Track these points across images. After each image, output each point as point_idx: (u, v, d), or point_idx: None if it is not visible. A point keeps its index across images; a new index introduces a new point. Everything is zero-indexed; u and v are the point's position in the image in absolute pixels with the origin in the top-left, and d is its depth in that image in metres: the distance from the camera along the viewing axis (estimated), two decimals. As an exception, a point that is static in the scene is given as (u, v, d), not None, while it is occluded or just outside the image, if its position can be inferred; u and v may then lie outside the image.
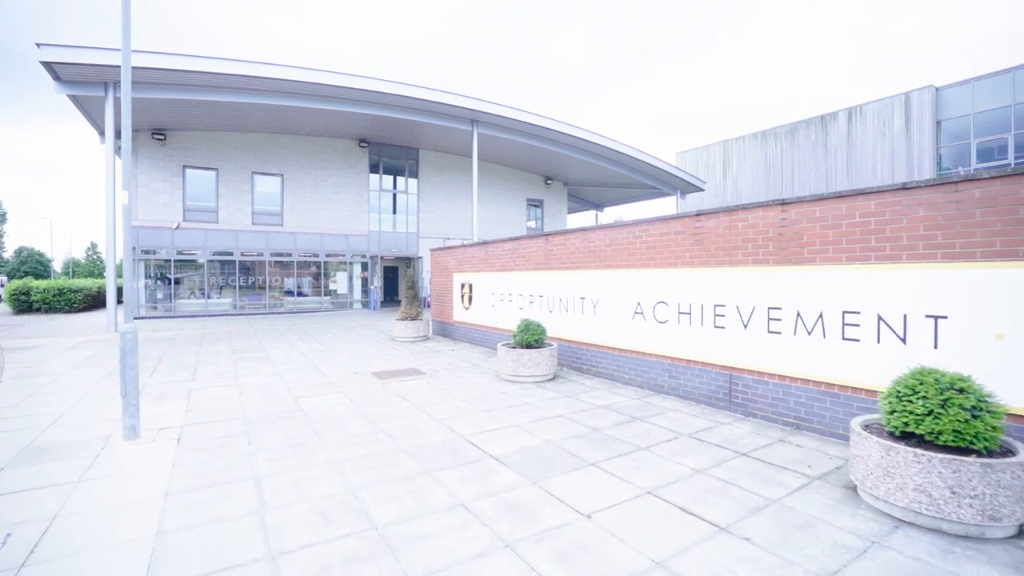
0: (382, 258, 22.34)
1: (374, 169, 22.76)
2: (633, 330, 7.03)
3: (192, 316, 18.85)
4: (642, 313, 6.88)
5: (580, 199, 32.26)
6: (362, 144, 21.86)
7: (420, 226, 23.83)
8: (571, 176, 27.83)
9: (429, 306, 22.71)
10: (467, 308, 11.84)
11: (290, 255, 20.81)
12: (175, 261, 18.92)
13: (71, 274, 72.30)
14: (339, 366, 8.75)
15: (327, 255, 21.55)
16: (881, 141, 23.00)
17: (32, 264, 69.36)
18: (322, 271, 21.45)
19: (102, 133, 18.16)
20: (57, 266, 77.74)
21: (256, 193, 20.30)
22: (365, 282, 22.54)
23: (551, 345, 7.74)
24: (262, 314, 20.05)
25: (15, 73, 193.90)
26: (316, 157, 21.24)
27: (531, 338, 7.62)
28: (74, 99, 14.78)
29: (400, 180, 23.69)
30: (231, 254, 19.75)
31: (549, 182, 28.04)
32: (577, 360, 8.15)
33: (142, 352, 10.32)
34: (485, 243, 11.10)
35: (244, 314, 19.80)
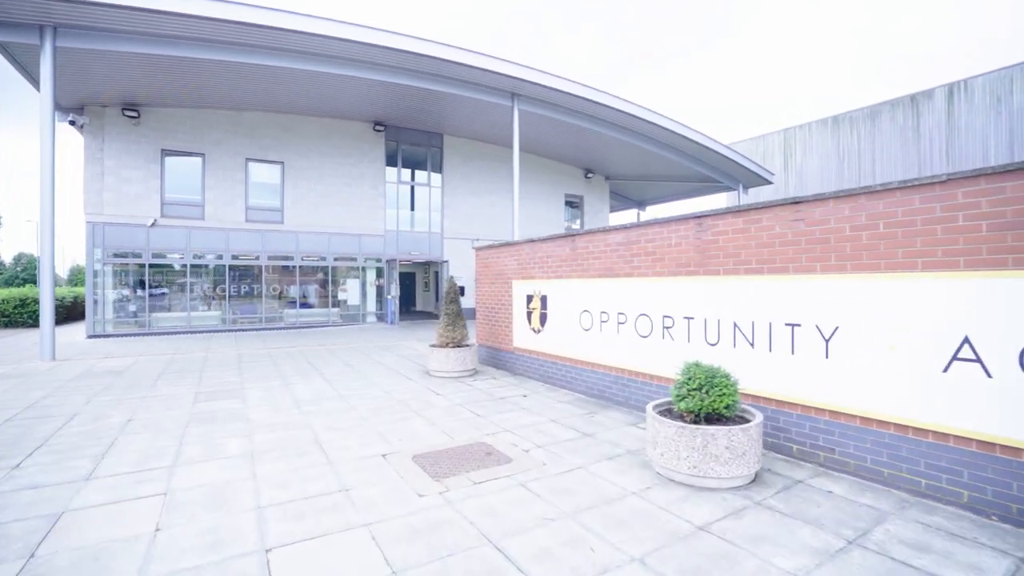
0: (400, 263, 18.86)
1: (391, 158, 19.29)
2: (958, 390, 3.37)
3: (171, 333, 15.38)
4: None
5: (620, 196, 28.67)
6: (377, 127, 18.40)
7: (445, 224, 20.30)
8: (614, 168, 24.26)
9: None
10: (537, 331, 8.23)
11: (291, 259, 17.32)
12: (151, 266, 15.48)
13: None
14: (357, 436, 5.15)
15: (336, 259, 18.05)
16: (995, 120, 19.33)
17: (32, 270, 66.79)
18: (329, 278, 17.94)
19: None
20: (64, 272, 75.05)
21: (251, 184, 16.87)
22: (380, 291, 19.00)
23: (752, 418, 4.08)
24: (257, 330, 16.55)
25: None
26: (323, 142, 17.80)
27: (718, 403, 3.98)
28: (4, 51, 11.40)
29: (421, 171, 20.20)
30: (220, 257, 16.30)
31: (590, 176, 24.47)
32: (797, 439, 4.49)
33: (56, 399, 6.78)
34: (572, 236, 7.48)
35: (235, 330, 16.30)
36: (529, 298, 8.42)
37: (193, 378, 8.42)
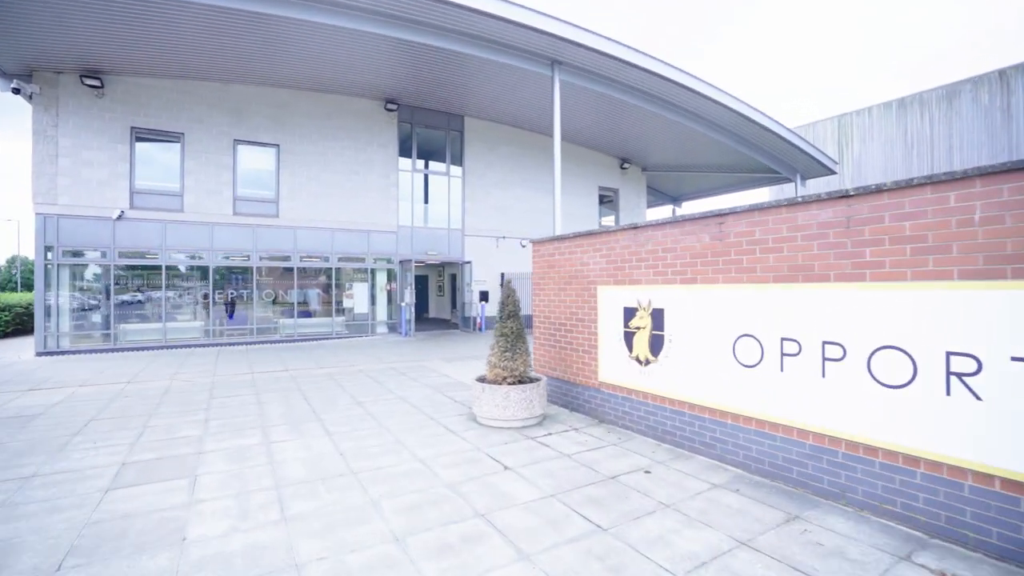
0: (414, 264, 16.19)
1: (405, 143, 16.61)
2: None
3: (142, 348, 12.70)
4: None
5: (653, 190, 25.91)
6: (389, 106, 15.74)
7: (466, 220, 17.59)
8: (652, 157, 21.53)
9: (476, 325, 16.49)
10: (645, 361, 5.49)
11: (288, 259, 14.64)
12: (118, 267, 12.81)
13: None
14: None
15: (340, 259, 15.36)
16: (1110, 97, 16.62)
17: (25, 273, 64.45)
18: (333, 281, 15.24)
19: None
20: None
21: (240, 171, 14.21)
22: (391, 297, 16.29)
23: None
24: (247, 343, 13.85)
25: None
26: (326, 123, 15.14)
27: None
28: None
29: (439, 159, 17.52)
30: (202, 257, 13.62)
31: (626, 166, 21.74)
32: None
33: None
34: (719, 216, 4.70)
35: (220, 344, 13.61)
36: (629, 312, 5.68)
37: (133, 429, 5.71)
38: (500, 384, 5.99)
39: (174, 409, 6.68)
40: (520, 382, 6.09)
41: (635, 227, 5.62)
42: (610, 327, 5.97)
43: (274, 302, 14.67)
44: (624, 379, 5.77)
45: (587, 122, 17.60)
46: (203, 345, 13.40)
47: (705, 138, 17.69)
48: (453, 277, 22.19)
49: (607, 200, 21.85)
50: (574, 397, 6.62)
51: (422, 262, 18.03)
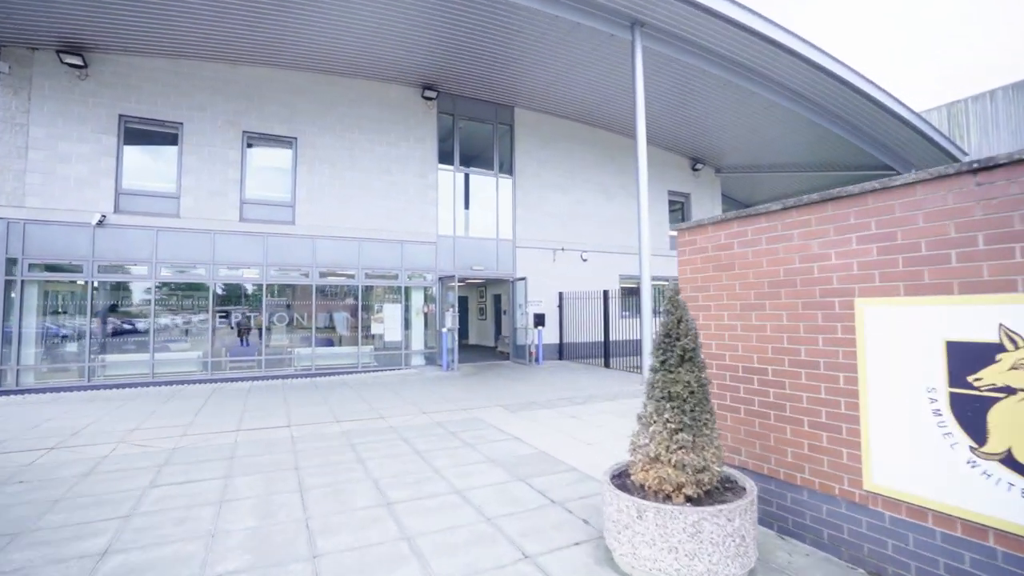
0: (457, 282, 13.37)
1: (446, 137, 14.00)
2: None
3: (123, 386, 10.15)
4: None
5: (725, 197, 22.58)
6: (428, 94, 13.18)
7: (517, 228, 14.71)
8: (727, 156, 18.35)
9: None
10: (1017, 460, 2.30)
11: (306, 274, 12.01)
12: (97, 284, 10.40)
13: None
14: None
15: (368, 274, 12.65)
16: None
17: None
18: (359, 302, 12.50)
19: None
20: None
21: (249, 169, 11.79)
22: (428, 320, 13.44)
23: None
24: (251, 380, 11.17)
25: None
26: (353, 112, 12.66)
27: None
28: None
29: (485, 155, 14.84)
30: (200, 271, 11.11)
31: (698, 167, 18.60)
32: None
33: None
34: None
35: (219, 380, 10.96)
36: (970, 354, 2.53)
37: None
38: (673, 498, 2.91)
39: (63, 519, 3.83)
40: (710, 493, 3.00)
41: (963, 171, 2.52)
42: (898, 383, 2.83)
43: (288, 327, 12.00)
44: (946, 493, 2.60)
45: (657, 110, 14.65)
46: (199, 381, 10.76)
47: (799, 125, 14.50)
48: (497, 298, 19.29)
49: (676, 207, 18.70)
50: (794, 512, 3.45)
51: (465, 279, 15.21)
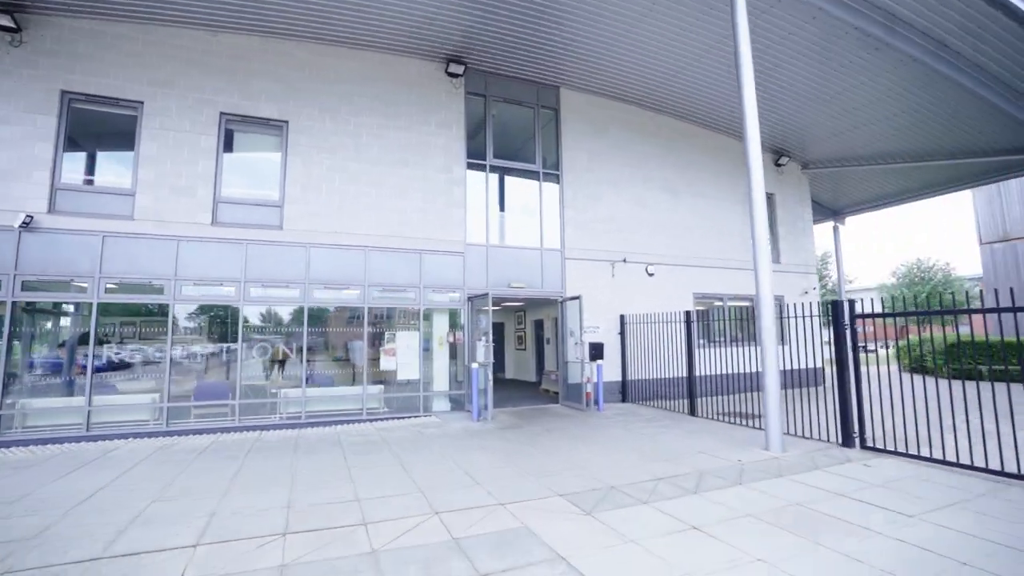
0: (491, 303, 10.43)
1: (476, 123, 11.32)
2: None
3: (48, 441, 7.51)
4: None
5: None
6: (453, 70, 10.59)
7: (566, 235, 11.70)
8: (815, 147, 14.93)
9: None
10: None
11: (295, 293, 9.29)
12: (15, 304, 7.93)
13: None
14: None
15: (378, 292, 9.85)
16: None
17: None
18: (365, 328, 9.65)
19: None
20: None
21: (226, 159, 9.31)
22: (454, 351, 10.46)
23: None
24: (219, 432, 8.38)
25: None
26: (359, 91, 10.14)
27: None
28: None
29: (525, 146, 12.05)
30: (160, 290, 8.53)
31: (782, 163, 15.27)
32: None
33: None
34: None
35: (177, 432, 8.22)
36: None
37: None
38: None
39: None
40: None
41: None
42: None
43: (274, 362, 9.25)
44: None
45: (730, 87, 11.60)
46: (150, 434, 8.04)
47: (928, 94, 11.09)
48: (538, 324, 16.20)
49: (758, 211, 15.31)
50: None
51: (501, 300, 12.25)
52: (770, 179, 15.16)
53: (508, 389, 14.73)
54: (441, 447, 7.21)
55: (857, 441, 6.70)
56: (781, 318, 14.13)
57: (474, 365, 9.47)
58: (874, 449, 6.54)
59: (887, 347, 18.96)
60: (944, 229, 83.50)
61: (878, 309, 9.04)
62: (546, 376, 13.60)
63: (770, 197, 15.18)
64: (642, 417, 9.61)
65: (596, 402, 10.48)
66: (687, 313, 9.93)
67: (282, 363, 9.28)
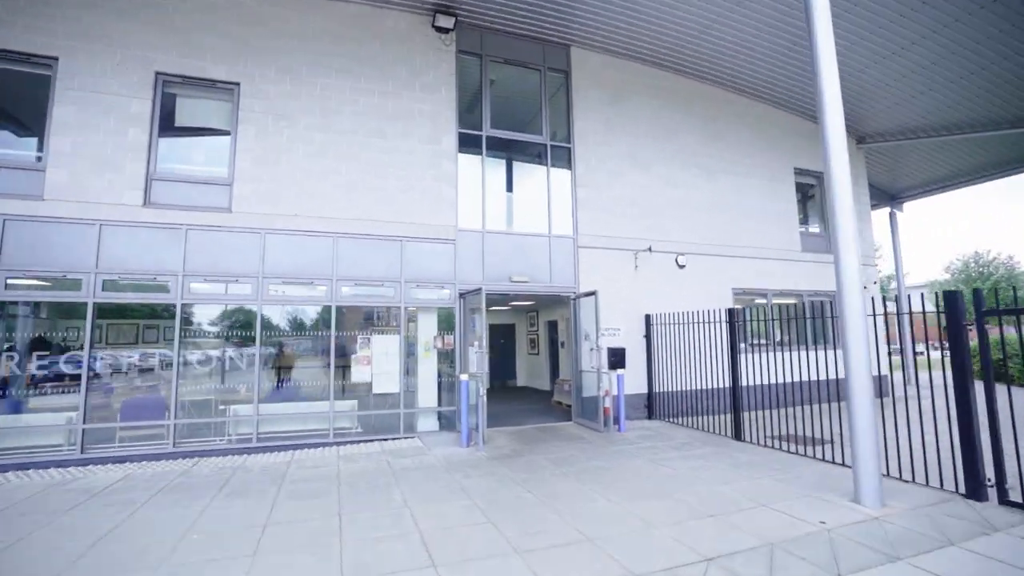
0: (487, 299, 8.64)
1: (471, 88, 9.57)
2: None
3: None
4: None
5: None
6: (441, 23, 8.87)
7: (580, 220, 9.83)
8: (875, 118, 12.67)
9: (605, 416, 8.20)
10: None
11: (246, 289, 7.65)
12: (-99, 308, 6.49)
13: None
14: None
15: (350, 289, 8.15)
16: None
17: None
18: (333, 331, 7.94)
19: None
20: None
21: (163, 129, 7.74)
22: (445, 359, 8.66)
23: None
24: (153, 458, 6.79)
25: None
26: (326, 49, 8.48)
27: None
28: None
29: (529, 116, 10.25)
30: (76, 285, 6.98)
31: (833, 135, 13.07)
32: None
33: None
34: None
35: (97, 460, 6.71)
36: None
37: None
38: None
39: None
40: None
41: None
42: None
43: (217, 371, 7.63)
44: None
45: (779, 46, 9.64)
46: (58, 464, 6.49)
47: (1010, 52, 8.88)
48: (552, 325, 14.35)
49: (808, 190, 13.17)
50: None
51: (506, 299, 10.47)
52: (819, 155, 12.95)
53: (517, 400, 12.90)
54: (408, 490, 5.43)
55: (993, 492, 4.67)
56: (834, 317, 11.99)
57: (463, 377, 7.65)
58: (1019, 506, 4.52)
59: (930, 350, 16.44)
60: (1003, 220, 78.22)
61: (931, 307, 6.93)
62: (558, 386, 11.73)
63: (819, 178, 13.00)
64: (674, 441, 7.67)
65: (616, 420, 8.57)
66: (731, 311, 7.95)
67: (228, 372, 7.65)
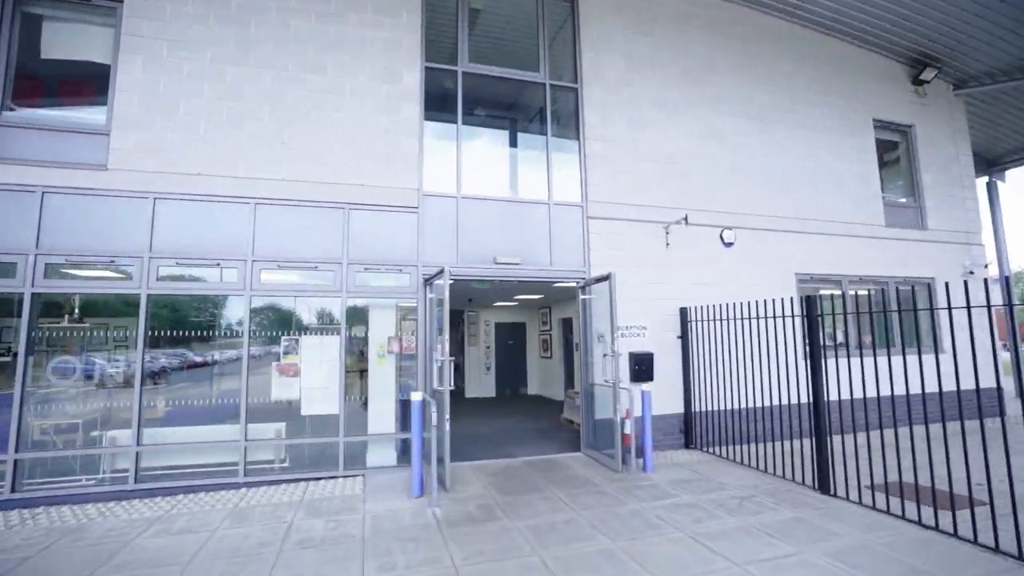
0: (446, 288, 6.33)
1: (443, 19, 7.28)
2: None
3: None
4: None
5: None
6: (402, -77, 6.62)
7: (590, 183, 7.40)
8: (979, 54, 9.70)
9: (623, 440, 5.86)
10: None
11: (125, 269, 5.60)
12: None
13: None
14: None
15: (271, 274, 6.00)
16: None
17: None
18: (248, 328, 5.82)
19: None
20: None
21: (18, 58, 5.77)
22: (406, 369, 6.38)
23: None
24: (-41, 517, 4.80)
25: None
26: (252, -41, 6.36)
27: None
28: None
29: (520, 48, 7.89)
30: None
31: (924, 80, 10.12)
32: None
33: None
34: None
35: None
36: None
37: None
38: None
39: None
40: None
41: None
42: None
43: (83, 381, 5.60)
44: None
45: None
46: None
47: None
48: (566, 324, 11.97)
49: (891, 152, 10.33)
50: None
51: (482, 286, 8.19)
52: (905, 104, 10.17)
53: (521, 413, 10.60)
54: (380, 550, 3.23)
55: None
56: (932, 310, 9.15)
57: (414, 397, 5.36)
58: None
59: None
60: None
61: None
62: (568, 400, 9.36)
63: (907, 130, 10.16)
64: (725, 492, 5.20)
65: (641, 453, 6.14)
66: (808, 300, 5.42)
67: (104, 385, 5.63)
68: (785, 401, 6.44)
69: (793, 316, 5.69)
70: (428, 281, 6.39)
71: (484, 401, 12.90)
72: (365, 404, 6.25)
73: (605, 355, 6.37)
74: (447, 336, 5.48)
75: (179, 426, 5.70)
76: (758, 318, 6.11)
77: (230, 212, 5.96)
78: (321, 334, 6.15)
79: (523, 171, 7.40)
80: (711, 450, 6.89)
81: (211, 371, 5.85)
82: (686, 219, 7.34)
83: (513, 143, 7.48)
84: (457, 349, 14.18)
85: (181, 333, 5.79)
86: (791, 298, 6.40)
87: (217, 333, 5.88)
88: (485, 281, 7.08)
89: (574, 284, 7.23)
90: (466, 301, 12.26)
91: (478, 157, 7.15)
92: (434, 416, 5.08)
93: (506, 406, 11.85)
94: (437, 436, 5.35)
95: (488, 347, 14.17)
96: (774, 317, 5.79)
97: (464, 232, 6.75)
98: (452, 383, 5.44)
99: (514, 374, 14.34)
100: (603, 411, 6.71)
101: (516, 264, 6.85)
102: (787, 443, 6.76)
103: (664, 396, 7.13)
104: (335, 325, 6.17)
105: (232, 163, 6.01)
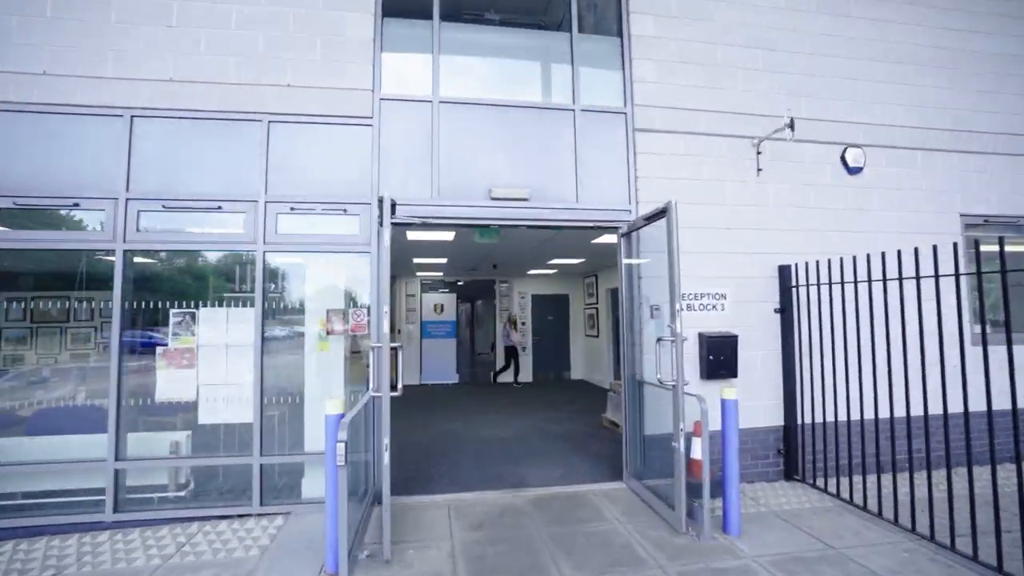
0: (386, 230, 4.20)
1: None
2: None
3: None
4: None
5: None
6: None
7: (637, 75, 4.91)
8: None
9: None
10: None
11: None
12: None
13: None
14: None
15: (152, 218, 4.09)
16: None
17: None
18: (118, 299, 4.01)
19: None
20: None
21: None
22: (358, 356, 4.26)
23: None
24: None
25: None
26: None
27: None
28: None
29: None
30: None
31: None
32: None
33: None
34: None
35: None
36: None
37: None
38: None
39: None
40: None
41: None
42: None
43: None
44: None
45: None
46: None
47: None
48: (615, 295, 9.50)
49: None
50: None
51: (485, 233, 5.94)
52: None
53: (556, 405, 8.41)
54: None
55: None
56: None
57: (329, 409, 3.24)
58: None
59: None
60: None
61: None
62: (612, 395, 7.03)
63: None
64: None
65: (721, 493, 3.76)
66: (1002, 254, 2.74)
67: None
68: (949, 407, 3.82)
69: (968, 273, 3.06)
70: (391, 224, 4.22)
71: (515, 389, 10.81)
72: (299, 408, 4.27)
73: (660, 339, 3.98)
74: (387, 307, 3.33)
75: (23, 436, 3.96)
76: (908, 279, 3.50)
77: (96, 128, 4.06)
78: (228, 305, 4.19)
79: (533, 63, 5.03)
80: (827, 484, 4.38)
81: (63, 355, 4.05)
82: (791, 126, 4.68)
83: (519, 21, 5.11)
84: (487, 327, 12.13)
85: (22, 303, 4.01)
86: (960, 244, 3.71)
87: (72, 301, 4.06)
88: (483, 228, 4.85)
89: (614, 228, 4.83)
90: (490, 267, 10.10)
91: (466, 41, 4.85)
92: (345, 440, 2.97)
93: (540, 396, 9.69)
94: (383, 478, 3.26)
95: (523, 323, 12.00)
96: (937, 276, 3.18)
97: (444, 154, 4.52)
98: (400, 382, 3.31)
99: (556, 356, 12.11)
100: (656, 422, 4.37)
101: (523, 200, 4.55)
102: (963, 471, 4.16)
103: (753, 399, 4.67)
104: (248, 294, 4.19)
105: (98, 60, 4.09)
